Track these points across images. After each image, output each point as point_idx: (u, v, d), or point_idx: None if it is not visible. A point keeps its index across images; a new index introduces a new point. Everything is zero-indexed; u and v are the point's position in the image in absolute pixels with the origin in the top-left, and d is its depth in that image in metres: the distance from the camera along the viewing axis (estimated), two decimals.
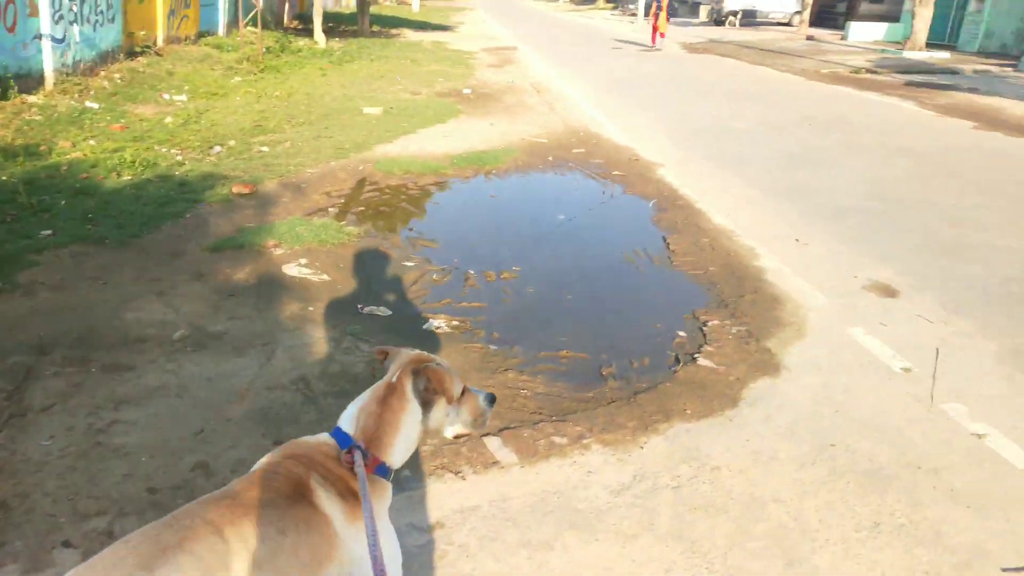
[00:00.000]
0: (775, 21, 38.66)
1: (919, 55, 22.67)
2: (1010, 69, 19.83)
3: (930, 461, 3.47)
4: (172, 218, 6.33)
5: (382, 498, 1.96)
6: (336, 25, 27.34)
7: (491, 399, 2.21)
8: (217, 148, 8.88)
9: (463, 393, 2.15)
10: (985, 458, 3.49)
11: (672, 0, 44.72)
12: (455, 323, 4.88)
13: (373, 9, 33.32)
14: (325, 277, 5.41)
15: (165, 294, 4.94)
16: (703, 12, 43.35)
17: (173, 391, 3.85)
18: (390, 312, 4.96)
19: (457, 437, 2.19)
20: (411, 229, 6.70)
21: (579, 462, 3.45)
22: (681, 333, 4.84)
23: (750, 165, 9.44)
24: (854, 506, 3.17)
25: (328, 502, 1.81)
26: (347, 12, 35.26)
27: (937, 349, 4.53)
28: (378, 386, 2.06)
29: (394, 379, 2.04)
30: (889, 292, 5.43)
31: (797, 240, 6.53)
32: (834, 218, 7.21)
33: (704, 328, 4.89)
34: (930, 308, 5.15)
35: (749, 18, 38.60)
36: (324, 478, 1.85)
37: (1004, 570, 2.81)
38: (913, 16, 23.67)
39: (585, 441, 3.61)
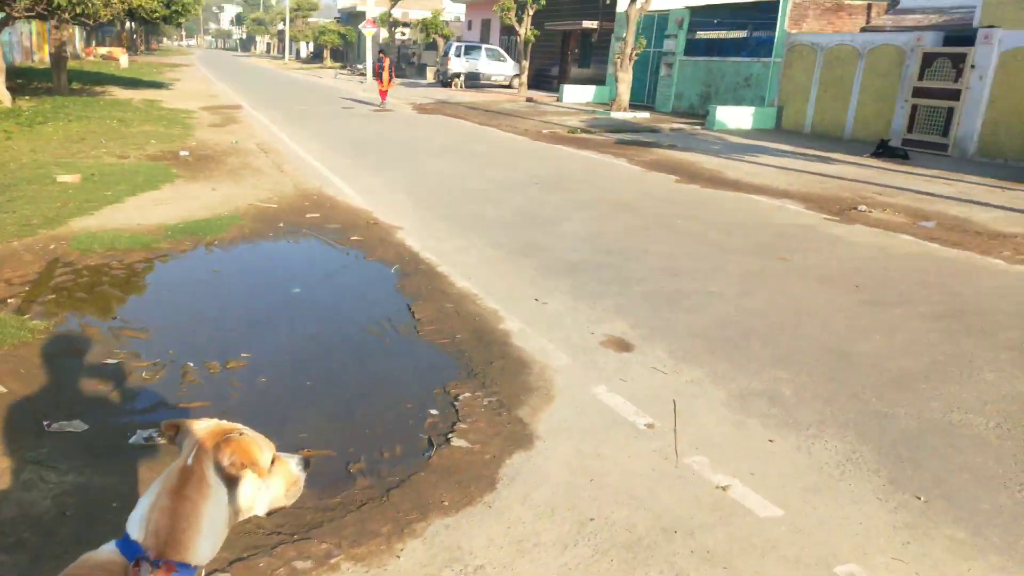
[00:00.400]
0: (497, 83, 41.03)
1: (624, 115, 25.12)
2: (699, 127, 22.55)
3: (683, 523, 3.48)
4: None
5: None
6: (27, 82, 24.31)
7: (305, 463, 2.01)
8: None
9: (272, 462, 1.91)
10: (731, 511, 3.58)
11: (398, 61, 45.73)
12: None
13: (73, 64, 30.19)
14: (1, 389, 4.43)
15: None
16: (430, 74, 44.90)
17: None
18: (86, 426, 4.15)
19: (270, 512, 1.96)
20: (115, 318, 5.80)
21: None
22: (433, 412, 4.57)
23: (487, 224, 9.58)
24: None
25: None
26: (40, 67, 31.61)
27: (674, 401, 4.70)
28: (170, 473, 1.76)
29: (189, 462, 1.76)
30: (624, 346, 5.62)
31: (536, 300, 6.61)
32: (568, 273, 7.44)
33: (456, 403, 4.67)
34: (662, 359, 5.38)
35: (473, 80, 40.58)
36: None
37: None
38: (616, 80, 26.25)
39: (333, 560, 3.16)
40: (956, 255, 8.76)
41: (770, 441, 4.25)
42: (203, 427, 1.85)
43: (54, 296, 6.13)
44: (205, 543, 1.73)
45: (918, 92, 18.81)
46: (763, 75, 23.77)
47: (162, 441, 4.03)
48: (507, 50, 42.54)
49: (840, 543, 3.34)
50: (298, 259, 7.91)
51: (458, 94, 35.37)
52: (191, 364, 5.07)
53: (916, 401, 4.75)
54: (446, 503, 3.63)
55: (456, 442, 4.20)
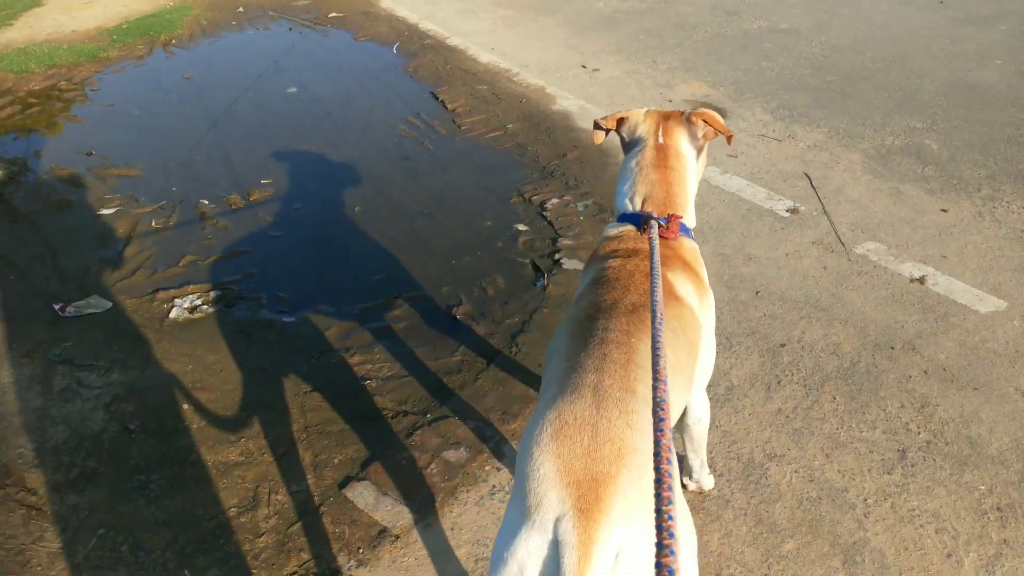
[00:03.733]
0: None
1: None
2: None
3: (896, 334, 2.82)
4: None
5: (698, 255, 1.85)
6: None
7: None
8: None
9: None
10: (945, 310, 2.91)
11: None
12: (215, 293, 3.35)
13: None
14: None
15: None
16: None
17: None
18: (109, 304, 3.28)
19: None
20: (90, 154, 4.68)
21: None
22: (521, 227, 3.74)
23: None
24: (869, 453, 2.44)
25: (683, 290, 1.69)
26: None
27: (807, 175, 3.88)
28: (643, 156, 1.92)
29: (661, 140, 1.93)
30: (719, 112, 4.68)
31: (584, 67, 5.53)
32: (606, 27, 6.27)
33: (545, 212, 3.82)
34: (766, 122, 4.49)
35: None
36: (669, 268, 1.70)
37: None
38: None
39: (492, 443, 2.48)
40: None
41: (943, 211, 3.52)
42: (653, 113, 2.01)
43: (5, 136, 4.94)
44: (692, 206, 1.91)
45: None
46: None
47: (203, 311, 3.21)
48: None
49: None
50: (278, 50, 6.58)
51: None
52: (205, 202, 4.10)
53: None
54: None
55: (568, 263, 3.42)
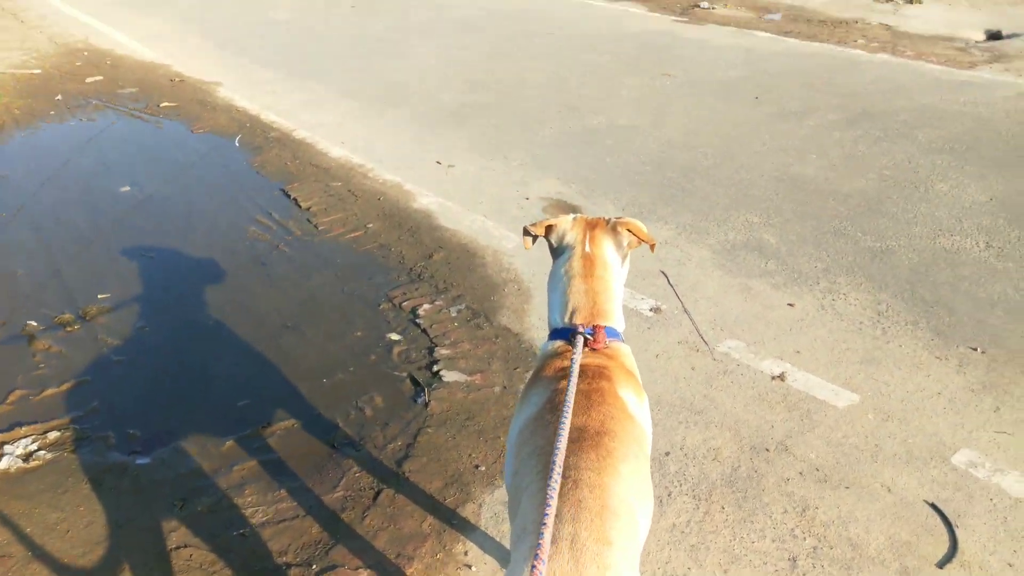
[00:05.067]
0: None
1: None
2: None
3: (768, 435, 2.97)
4: None
5: (632, 357, 1.94)
6: None
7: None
8: None
9: None
10: (807, 407, 3.10)
11: None
12: (54, 434, 2.98)
13: None
14: None
15: None
16: None
17: None
18: None
19: None
20: None
21: None
22: (394, 336, 3.64)
23: (322, 65, 8.06)
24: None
25: (634, 408, 1.76)
26: None
27: (663, 273, 4.08)
28: (570, 266, 2.00)
29: (588, 249, 2.01)
30: (570, 209, 4.84)
31: (439, 163, 5.57)
32: (454, 122, 6.38)
33: (418, 320, 3.75)
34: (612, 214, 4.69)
35: None
36: (618, 383, 1.77)
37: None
38: None
39: None
40: (819, 48, 8.57)
41: (790, 305, 3.79)
42: (579, 220, 2.10)
43: None
44: (619, 311, 1.98)
45: None
46: None
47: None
48: None
49: (936, 424, 2.99)
50: (106, 144, 6.16)
51: None
52: (33, 323, 3.70)
53: (897, 228, 4.47)
54: (481, 466, 2.85)
55: (448, 376, 3.35)
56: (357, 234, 4.60)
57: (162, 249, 4.48)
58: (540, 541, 1.28)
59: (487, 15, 10.42)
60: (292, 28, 9.75)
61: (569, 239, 2.06)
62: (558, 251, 2.10)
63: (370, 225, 4.69)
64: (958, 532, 2.52)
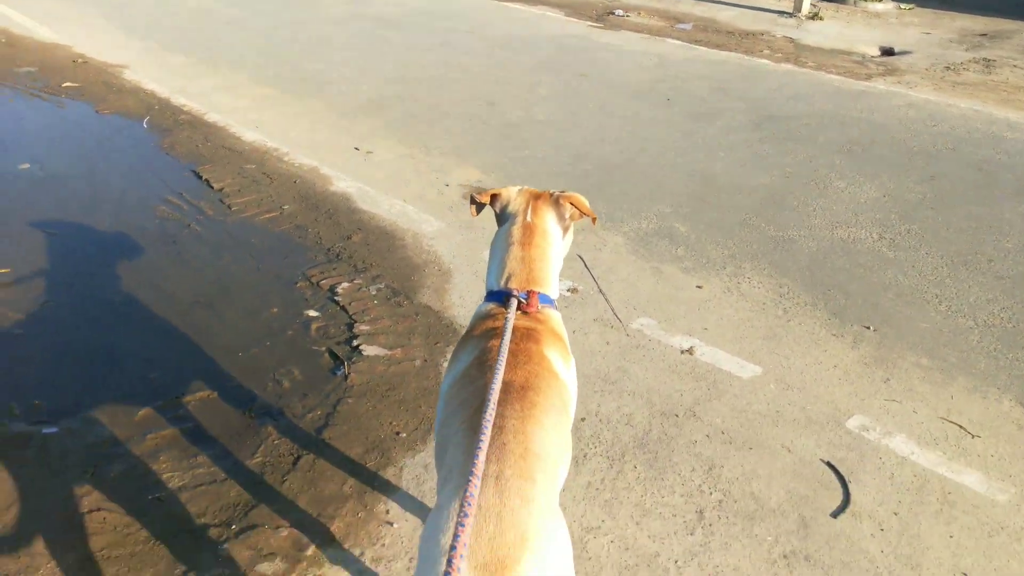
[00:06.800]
0: None
1: None
2: None
3: (677, 402, 3.10)
4: None
5: (561, 323, 1.99)
6: None
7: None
8: None
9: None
10: (715, 378, 3.26)
11: None
12: None
13: None
14: None
15: None
16: None
17: None
18: None
19: None
20: None
21: None
22: (312, 313, 3.62)
23: (237, 54, 7.89)
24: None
25: (558, 366, 1.81)
26: None
27: (580, 256, 4.19)
28: (511, 233, 2.05)
29: (529, 218, 2.06)
30: None
31: (358, 149, 5.55)
32: (370, 110, 6.36)
33: (336, 297, 3.74)
34: None
35: None
36: (545, 344, 1.82)
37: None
38: None
39: (309, 551, 2.32)
40: (727, 57, 8.94)
41: (699, 287, 3.96)
42: (524, 192, 2.15)
43: None
44: (555, 280, 2.05)
45: None
46: None
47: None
48: None
49: (832, 393, 3.18)
50: (1, 121, 5.86)
51: None
52: None
53: (799, 220, 4.73)
54: (402, 433, 2.87)
55: (368, 350, 3.36)
56: (272, 215, 4.54)
57: (66, 225, 4.31)
58: (473, 470, 1.32)
59: (405, 13, 10.42)
60: (207, 17, 9.50)
61: (513, 208, 2.12)
62: (502, 219, 2.16)
63: (286, 207, 4.64)
64: (851, 487, 2.70)
